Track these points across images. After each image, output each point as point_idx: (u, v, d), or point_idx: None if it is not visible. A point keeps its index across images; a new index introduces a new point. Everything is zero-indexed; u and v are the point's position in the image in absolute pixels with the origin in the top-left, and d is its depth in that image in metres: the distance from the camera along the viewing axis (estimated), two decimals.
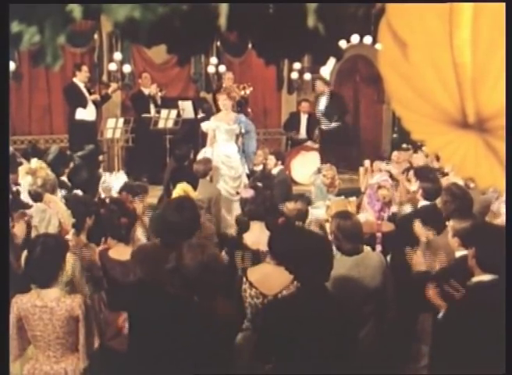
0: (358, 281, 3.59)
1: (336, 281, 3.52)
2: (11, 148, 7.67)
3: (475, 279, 3.11)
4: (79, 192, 5.42)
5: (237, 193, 7.11)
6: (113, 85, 9.58)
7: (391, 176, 7.44)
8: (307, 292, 2.95)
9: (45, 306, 3.31)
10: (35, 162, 5.00)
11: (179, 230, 3.54)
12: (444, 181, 5.38)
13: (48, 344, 3.34)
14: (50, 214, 4.53)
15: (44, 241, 3.45)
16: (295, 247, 3.04)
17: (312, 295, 2.91)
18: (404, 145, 10.28)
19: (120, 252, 3.95)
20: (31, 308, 3.32)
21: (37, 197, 4.76)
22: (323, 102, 10.63)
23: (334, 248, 3.74)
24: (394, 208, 5.17)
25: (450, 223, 3.92)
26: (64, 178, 6.87)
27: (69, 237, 4.31)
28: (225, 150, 7.72)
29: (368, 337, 3.60)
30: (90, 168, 7.13)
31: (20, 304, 3.34)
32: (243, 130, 8.00)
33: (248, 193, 4.52)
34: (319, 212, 5.29)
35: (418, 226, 4.10)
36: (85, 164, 7.61)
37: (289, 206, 4.87)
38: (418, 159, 9.02)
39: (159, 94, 10.10)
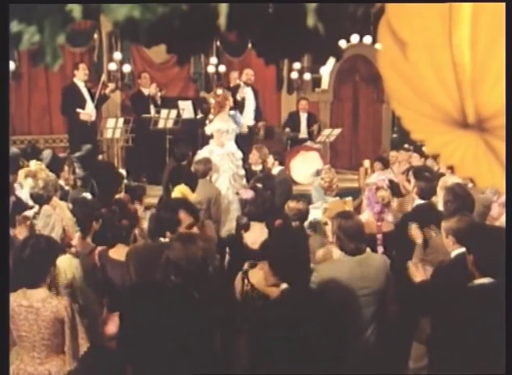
0: (361, 282, 3.58)
1: (338, 281, 3.52)
2: (15, 149, 7.67)
3: (477, 281, 3.10)
4: (88, 195, 5.39)
5: (237, 193, 7.17)
6: (110, 85, 9.55)
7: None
8: (293, 292, 2.96)
9: (31, 306, 3.27)
10: (34, 164, 4.97)
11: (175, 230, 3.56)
12: (442, 181, 5.39)
13: (33, 345, 3.31)
14: (54, 220, 4.50)
15: (36, 242, 3.41)
16: (279, 248, 3.09)
17: (298, 296, 2.92)
18: (406, 145, 10.30)
19: (121, 253, 3.95)
20: (17, 308, 3.28)
21: (39, 199, 4.73)
22: (250, 94, 10.18)
23: (337, 249, 3.74)
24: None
25: (444, 223, 3.89)
26: (61, 181, 6.86)
27: (74, 242, 4.30)
28: (233, 149, 7.85)
29: (371, 338, 3.60)
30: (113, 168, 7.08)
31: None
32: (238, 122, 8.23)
33: (248, 194, 4.52)
34: (318, 213, 5.29)
35: (415, 229, 4.03)
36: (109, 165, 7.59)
37: (291, 204, 4.87)
38: (418, 160, 9.04)
39: (159, 94, 10.10)
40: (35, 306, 3.27)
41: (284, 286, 3.13)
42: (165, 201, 4.80)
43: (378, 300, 3.66)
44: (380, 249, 4.61)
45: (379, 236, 4.70)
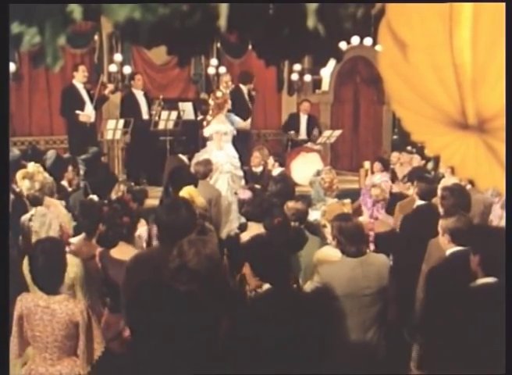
0: (362, 281, 3.58)
1: (339, 281, 3.52)
2: (17, 151, 7.67)
3: (480, 281, 3.11)
4: (94, 197, 5.39)
5: (235, 193, 7.19)
6: (109, 86, 9.55)
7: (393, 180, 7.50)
8: (276, 292, 2.96)
9: (47, 307, 3.29)
10: (32, 166, 4.96)
11: (175, 230, 3.55)
12: (443, 182, 5.42)
13: (46, 346, 3.32)
14: (50, 218, 4.50)
15: (43, 246, 3.41)
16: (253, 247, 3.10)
17: (280, 296, 2.92)
18: (409, 148, 10.29)
19: (122, 252, 3.94)
20: (33, 308, 3.30)
21: (35, 201, 4.73)
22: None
23: (338, 251, 3.73)
24: None
25: (442, 221, 3.91)
26: (64, 182, 6.86)
27: (74, 240, 4.29)
28: (232, 151, 7.87)
29: (373, 338, 3.60)
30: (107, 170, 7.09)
31: (25, 302, 3.33)
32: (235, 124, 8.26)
33: (245, 194, 4.53)
34: (317, 215, 5.29)
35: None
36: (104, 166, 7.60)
37: (290, 204, 4.88)
38: (418, 162, 9.05)
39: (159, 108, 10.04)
40: (51, 308, 3.28)
41: (266, 286, 3.12)
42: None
43: (379, 300, 3.66)
44: (371, 247, 4.61)
45: (371, 233, 4.71)
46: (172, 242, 3.36)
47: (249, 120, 10.14)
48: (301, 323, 2.79)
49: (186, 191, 4.93)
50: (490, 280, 3.05)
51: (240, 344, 2.91)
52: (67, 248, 3.99)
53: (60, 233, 4.35)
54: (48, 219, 4.48)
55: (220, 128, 7.89)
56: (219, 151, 7.74)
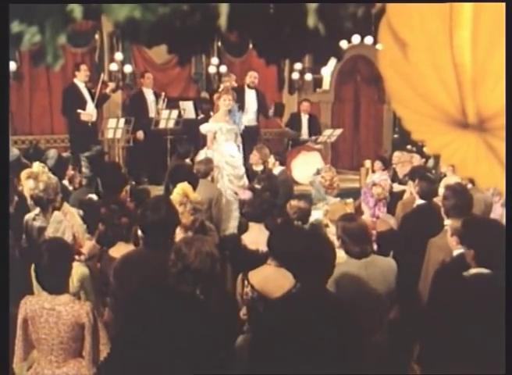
0: (367, 283, 3.56)
1: (343, 282, 3.51)
2: (17, 151, 7.66)
3: (473, 271, 3.13)
4: (93, 196, 5.37)
5: (236, 194, 7.15)
6: (110, 84, 9.56)
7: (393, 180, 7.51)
8: (306, 292, 2.94)
9: (53, 309, 3.27)
10: (37, 166, 4.95)
11: (158, 229, 3.55)
12: (444, 181, 5.42)
13: (51, 348, 3.30)
14: (65, 226, 4.48)
15: (48, 245, 3.41)
16: (295, 247, 3.04)
17: (312, 296, 2.90)
18: (409, 147, 10.29)
19: (121, 251, 3.93)
20: (39, 310, 3.29)
21: (38, 201, 4.71)
22: (253, 96, 10.28)
23: (343, 252, 3.73)
24: None
25: (449, 222, 3.94)
26: (65, 182, 6.86)
27: (84, 250, 4.28)
28: (229, 150, 7.78)
29: (378, 341, 3.59)
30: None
31: (29, 305, 3.32)
32: (237, 122, 8.12)
33: (246, 195, 4.52)
34: (319, 214, 5.29)
35: None
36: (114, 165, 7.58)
37: (293, 203, 4.88)
38: (418, 161, 9.05)
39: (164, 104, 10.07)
40: (57, 310, 3.27)
41: (295, 284, 3.11)
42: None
43: (385, 303, 3.65)
44: (374, 247, 4.61)
45: (373, 232, 4.72)
46: (160, 241, 3.36)
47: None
48: (331, 324, 2.79)
49: (180, 187, 4.92)
50: (483, 270, 3.07)
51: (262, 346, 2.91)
52: (77, 257, 3.97)
53: (72, 243, 4.32)
54: (63, 227, 4.45)
55: (212, 127, 7.80)
56: (210, 151, 7.67)
